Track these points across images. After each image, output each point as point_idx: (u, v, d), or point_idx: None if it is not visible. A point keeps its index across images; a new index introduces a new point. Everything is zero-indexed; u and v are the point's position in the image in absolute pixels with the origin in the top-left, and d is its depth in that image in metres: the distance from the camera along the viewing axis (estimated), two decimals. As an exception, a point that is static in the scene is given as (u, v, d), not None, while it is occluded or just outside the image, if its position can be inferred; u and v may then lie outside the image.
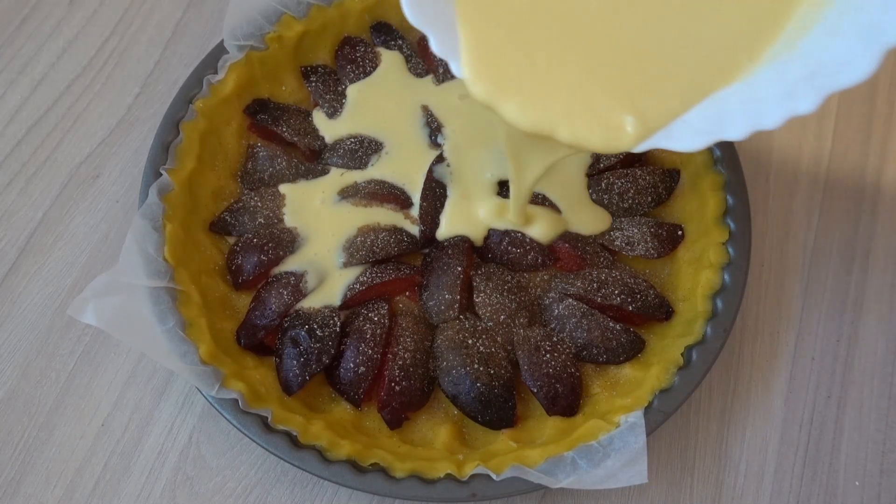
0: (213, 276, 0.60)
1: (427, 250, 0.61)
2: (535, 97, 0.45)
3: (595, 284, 0.59)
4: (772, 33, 0.46)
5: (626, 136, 0.45)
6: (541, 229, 0.60)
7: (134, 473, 0.57)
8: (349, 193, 0.63)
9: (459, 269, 0.59)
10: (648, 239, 0.61)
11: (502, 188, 0.63)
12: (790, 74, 0.43)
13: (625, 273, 0.60)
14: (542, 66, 0.46)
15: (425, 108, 0.67)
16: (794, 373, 0.62)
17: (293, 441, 0.53)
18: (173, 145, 0.61)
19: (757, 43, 0.46)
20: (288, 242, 0.60)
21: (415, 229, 0.61)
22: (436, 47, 0.44)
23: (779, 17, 0.46)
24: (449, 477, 0.52)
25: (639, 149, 0.45)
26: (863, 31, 0.40)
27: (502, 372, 0.56)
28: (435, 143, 0.65)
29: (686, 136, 0.44)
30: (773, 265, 0.66)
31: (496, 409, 0.55)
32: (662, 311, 0.59)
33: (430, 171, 0.62)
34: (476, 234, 0.61)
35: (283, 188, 0.63)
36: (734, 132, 0.42)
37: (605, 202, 0.63)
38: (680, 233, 0.62)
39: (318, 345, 0.56)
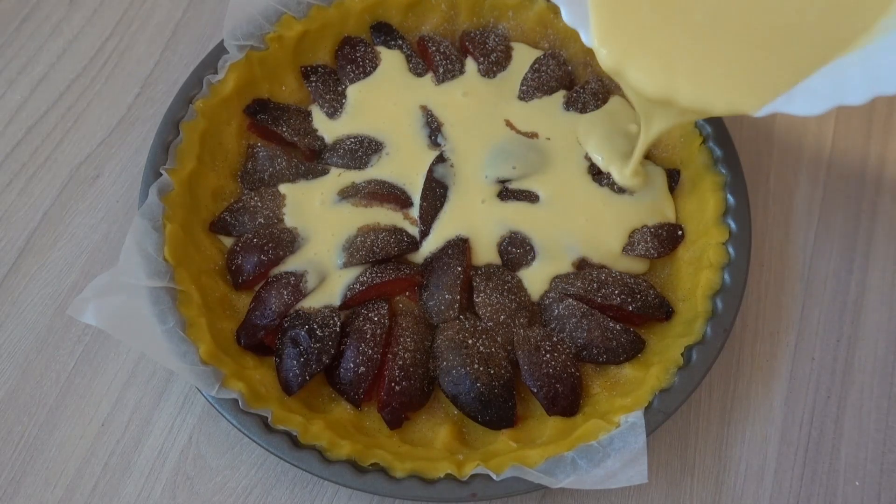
0: (213, 276, 0.60)
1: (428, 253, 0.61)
2: (659, 65, 0.49)
3: (595, 284, 0.59)
4: (885, 4, 0.48)
5: (748, 100, 0.48)
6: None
7: (134, 473, 0.57)
8: (349, 193, 0.63)
9: (459, 269, 0.59)
10: (648, 239, 0.61)
11: (502, 187, 0.63)
12: None
13: (625, 273, 0.60)
14: (667, 35, 0.49)
15: (425, 108, 0.67)
16: (794, 373, 0.62)
17: (293, 441, 0.53)
18: (173, 145, 0.61)
19: (871, 13, 0.48)
20: (288, 242, 0.60)
21: (415, 229, 0.61)
22: (567, 17, 0.49)
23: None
24: (449, 477, 0.52)
25: (761, 113, 0.47)
26: None
27: (502, 372, 0.56)
28: (435, 143, 0.65)
29: (808, 101, 0.46)
30: (773, 265, 0.66)
31: (496, 409, 0.55)
32: (662, 311, 0.59)
33: (431, 171, 0.63)
34: (476, 234, 0.61)
35: (283, 188, 0.63)
36: (855, 98, 0.44)
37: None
38: (680, 233, 0.62)
39: (318, 345, 0.56)
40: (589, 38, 0.50)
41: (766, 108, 0.48)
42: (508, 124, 0.66)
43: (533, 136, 0.65)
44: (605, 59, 0.50)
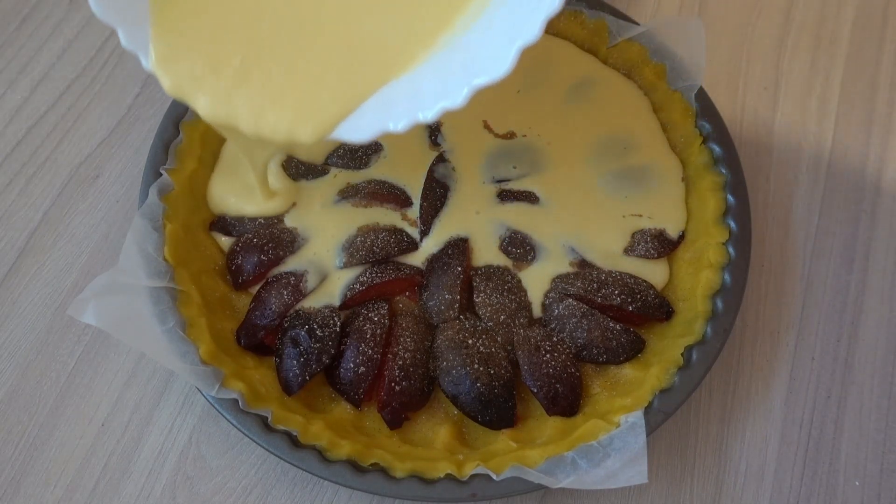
0: (213, 276, 0.60)
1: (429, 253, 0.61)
2: (221, 92, 0.46)
3: (595, 284, 0.59)
4: (444, 22, 0.47)
5: (305, 130, 0.46)
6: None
7: (134, 473, 0.57)
8: (349, 194, 0.63)
9: (459, 269, 0.59)
10: (648, 239, 0.61)
11: (502, 187, 0.63)
12: (450, 67, 0.44)
13: (625, 273, 0.60)
14: (229, 61, 0.47)
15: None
16: (794, 373, 0.62)
17: (293, 441, 0.53)
18: (173, 145, 0.61)
19: (429, 32, 0.47)
20: (288, 242, 0.60)
21: (415, 230, 0.61)
22: (124, 41, 0.46)
23: (452, 7, 0.47)
24: (449, 477, 0.52)
25: (317, 141, 0.46)
26: (509, 29, 0.41)
27: (502, 372, 0.56)
28: (434, 143, 0.65)
29: (355, 128, 0.45)
30: (773, 265, 0.66)
31: (496, 409, 0.55)
32: (662, 311, 0.59)
33: (431, 171, 0.63)
34: (476, 234, 0.61)
35: (283, 188, 0.63)
36: (397, 125, 0.43)
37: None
38: (680, 234, 0.62)
39: (318, 345, 0.56)
40: (148, 64, 0.46)
41: (324, 136, 0.46)
42: (486, 126, 0.66)
43: (510, 136, 0.65)
44: (167, 86, 0.46)
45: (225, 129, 0.50)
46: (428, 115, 0.42)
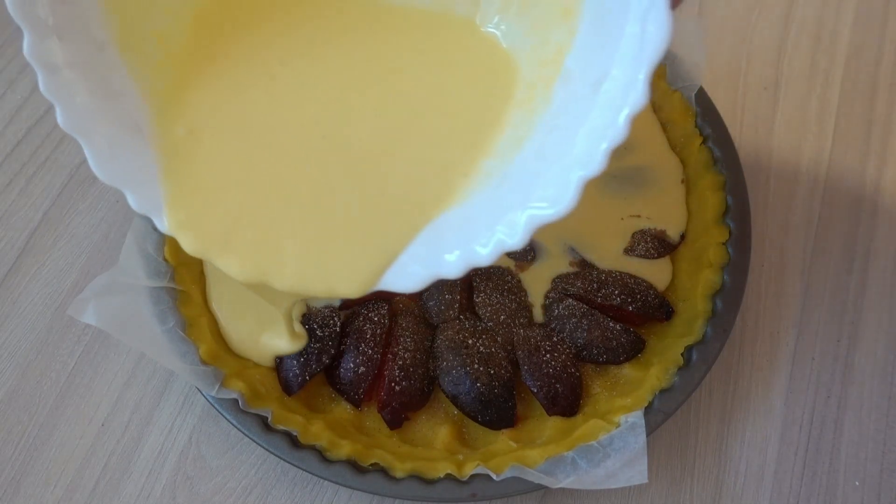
0: (213, 276, 0.60)
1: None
2: (251, 253, 0.43)
3: (595, 284, 0.59)
4: (484, 147, 0.43)
5: (347, 286, 0.43)
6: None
7: (134, 473, 0.57)
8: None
9: (459, 269, 0.59)
10: (648, 239, 0.61)
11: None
12: (503, 201, 0.40)
13: (625, 273, 0.60)
14: (257, 219, 0.44)
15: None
16: (794, 373, 0.62)
17: (293, 441, 0.53)
18: (173, 145, 0.61)
19: (471, 159, 0.43)
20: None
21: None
22: (135, 205, 0.42)
23: (489, 134, 0.44)
24: (449, 477, 0.52)
25: (366, 292, 0.43)
26: (561, 160, 0.37)
27: (502, 372, 0.56)
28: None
29: (404, 275, 0.42)
30: (773, 265, 0.66)
31: (496, 409, 0.55)
32: (662, 311, 0.59)
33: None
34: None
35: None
36: (451, 271, 0.40)
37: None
38: (680, 233, 0.62)
39: (318, 345, 0.56)
40: (164, 225, 0.43)
41: (371, 288, 0.42)
42: None
43: None
44: (188, 247, 0.43)
45: (253, 286, 0.45)
46: (485, 260, 0.39)
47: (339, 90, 0.47)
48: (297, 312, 0.56)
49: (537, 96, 0.43)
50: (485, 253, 0.39)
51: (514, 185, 0.40)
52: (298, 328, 0.56)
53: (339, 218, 0.44)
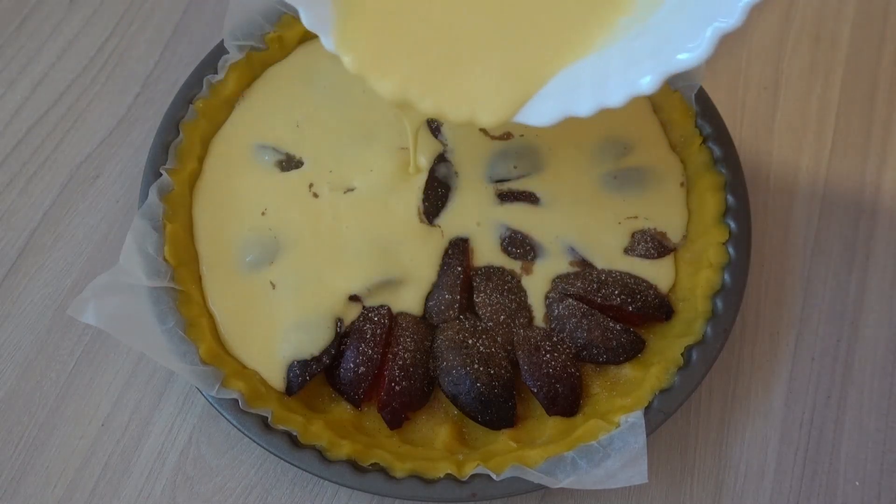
0: (213, 276, 0.60)
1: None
2: (404, 74, 0.47)
3: (595, 284, 0.59)
4: (624, 4, 0.47)
5: (487, 113, 0.46)
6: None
7: (134, 473, 0.57)
8: (349, 193, 0.62)
9: (459, 269, 0.59)
10: (648, 239, 0.61)
11: (503, 187, 0.63)
12: (637, 50, 0.43)
13: (625, 273, 0.60)
14: (413, 43, 0.48)
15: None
16: (794, 373, 0.62)
17: (293, 441, 0.53)
18: (173, 145, 0.61)
19: (608, 14, 0.47)
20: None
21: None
22: (307, 21, 0.46)
23: None
24: (449, 477, 0.52)
25: (503, 122, 0.46)
26: (701, 14, 0.40)
27: (502, 372, 0.56)
28: (436, 139, 0.65)
29: (538, 111, 0.45)
30: (773, 265, 0.66)
31: (496, 409, 0.55)
32: (662, 311, 0.59)
33: (433, 171, 0.62)
34: (476, 234, 0.61)
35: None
36: (582, 109, 0.42)
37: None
38: (681, 234, 0.62)
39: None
40: (330, 44, 0.48)
41: (505, 119, 0.46)
42: (482, 130, 0.65)
43: (507, 136, 0.65)
44: (349, 65, 0.47)
45: (400, 106, 0.50)
46: (616, 101, 0.41)
47: None
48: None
49: None
50: (617, 95, 0.41)
51: (648, 39, 0.43)
52: (422, 160, 0.60)
53: (486, 52, 0.48)
